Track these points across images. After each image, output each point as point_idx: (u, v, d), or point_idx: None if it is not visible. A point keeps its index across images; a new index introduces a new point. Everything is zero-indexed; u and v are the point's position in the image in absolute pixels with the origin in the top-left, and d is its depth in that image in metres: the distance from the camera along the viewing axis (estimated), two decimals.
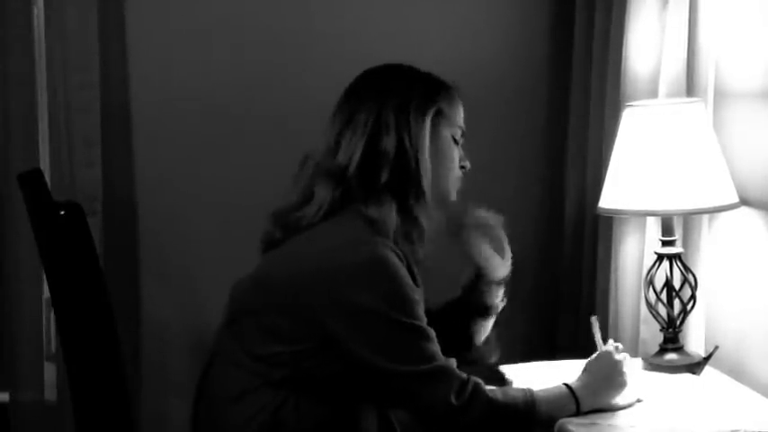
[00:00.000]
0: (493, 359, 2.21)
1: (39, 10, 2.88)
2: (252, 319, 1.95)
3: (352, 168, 1.95)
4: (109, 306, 2.05)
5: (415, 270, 1.96)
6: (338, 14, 3.00)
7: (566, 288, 3.00)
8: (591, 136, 2.86)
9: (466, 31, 3.06)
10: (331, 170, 1.97)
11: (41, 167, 2.79)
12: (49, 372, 2.90)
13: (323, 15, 2.99)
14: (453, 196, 2.08)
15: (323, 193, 1.97)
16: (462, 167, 2.09)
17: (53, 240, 2.02)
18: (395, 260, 1.89)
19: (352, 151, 1.96)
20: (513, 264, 2.23)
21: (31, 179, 2.07)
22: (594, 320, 2.17)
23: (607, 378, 2.04)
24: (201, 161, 2.97)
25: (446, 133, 2.03)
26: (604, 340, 2.18)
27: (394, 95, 1.98)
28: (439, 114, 2.01)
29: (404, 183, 1.96)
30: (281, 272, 1.95)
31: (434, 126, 2.00)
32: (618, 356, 2.07)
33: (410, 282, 1.91)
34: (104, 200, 2.86)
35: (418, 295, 1.92)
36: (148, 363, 2.97)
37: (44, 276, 2.23)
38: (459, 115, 2.07)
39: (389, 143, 1.95)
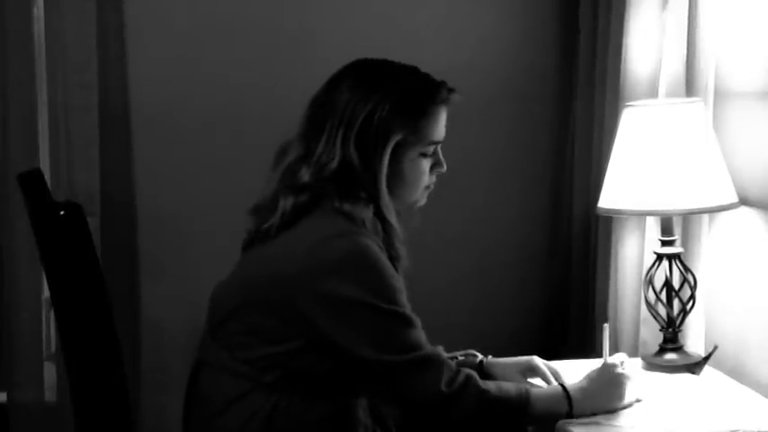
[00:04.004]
0: None
1: (39, 10, 2.88)
2: (236, 321, 1.94)
3: (326, 173, 1.92)
4: (108, 306, 2.05)
5: (397, 263, 1.96)
6: (341, 16, 3.00)
7: (569, 288, 3.01)
8: (591, 137, 2.86)
9: (472, 34, 3.07)
10: (296, 185, 1.94)
11: (41, 167, 2.79)
12: (49, 372, 2.90)
13: (325, 16, 2.99)
14: (421, 202, 2.06)
15: (283, 203, 1.94)
16: (438, 172, 2.05)
17: (53, 240, 2.02)
18: (375, 249, 1.88)
19: (321, 166, 1.93)
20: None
21: (31, 179, 2.07)
22: (606, 328, 2.16)
23: (605, 387, 2.03)
24: (200, 161, 2.97)
25: (412, 156, 1.98)
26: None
27: (359, 114, 1.93)
28: (401, 144, 1.95)
29: (372, 192, 1.94)
30: (264, 270, 1.93)
31: (396, 155, 1.95)
32: (621, 370, 2.05)
33: (392, 270, 1.90)
34: (102, 200, 2.86)
35: (400, 283, 1.91)
36: (148, 363, 2.97)
37: (44, 276, 2.23)
38: (436, 131, 2.00)
39: (355, 165, 1.92)
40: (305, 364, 1.90)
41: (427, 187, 2.05)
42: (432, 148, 2.01)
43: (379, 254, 1.89)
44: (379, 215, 1.95)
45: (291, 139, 2.02)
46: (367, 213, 1.93)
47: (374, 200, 1.95)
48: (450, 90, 2.01)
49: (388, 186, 1.96)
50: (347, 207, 1.91)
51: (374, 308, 1.86)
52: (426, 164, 2.02)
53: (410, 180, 2.00)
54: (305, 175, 1.95)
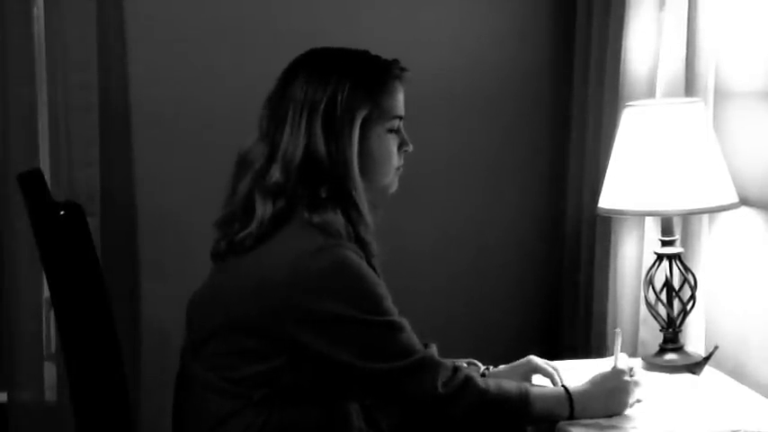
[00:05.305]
0: None
1: (39, 10, 2.88)
2: (219, 341, 1.91)
3: (291, 179, 1.90)
4: (108, 306, 2.05)
5: (375, 264, 1.94)
6: (342, 18, 2.99)
7: (568, 287, 3.01)
8: (590, 137, 2.86)
9: (469, 34, 3.07)
10: (268, 186, 1.92)
11: (41, 167, 2.79)
12: (49, 372, 2.90)
13: (325, 18, 2.99)
14: (394, 186, 2.03)
15: (261, 210, 1.92)
16: (405, 151, 2.03)
17: (53, 240, 2.02)
18: (355, 259, 1.86)
19: (289, 159, 1.91)
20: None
21: (31, 179, 2.07)
22: (618, 333, 2.15)
23: (609, 393, 2.01)
24: (200, 161, 2.97)
25: (379, 131, 1.96)
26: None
27: (320, 99, 1.91)
28: (367, 120, 1.94)
29: (340, 188, 1.91)
30: (244, 286, 1.89)
31: (363, 131, 1.94)
32: (628, 378, 2.04)
33: (374, 277, 1.88)
34: (102, 200, 2.86)
35: (384, 289, 1.89)
36: (148, 363, 2.97)
37: (44, 276, 2.23)
38: (397, 104, 1.99)
39: (322, 152, 1.90)
40: (291, 379, 1.87)
41: (398, 169, 2.02)
42: (396, 124, 2.00)
43: (360, 263, 1.87)
44: (349, 214, 1.92)
45: (249, 146, 2.00)
46: (338, 219, 1.89)
47: (345, 190, 1.91)
48: (403, 69, 2.01)
49: (360, 169, 1.93)
50: (317, 219, 1.88)
51: (362, 321, 1.85)
52: (394, 141, 2.00)
53: (380, 159, 1.98)
54: (275, 172, 1.92)
